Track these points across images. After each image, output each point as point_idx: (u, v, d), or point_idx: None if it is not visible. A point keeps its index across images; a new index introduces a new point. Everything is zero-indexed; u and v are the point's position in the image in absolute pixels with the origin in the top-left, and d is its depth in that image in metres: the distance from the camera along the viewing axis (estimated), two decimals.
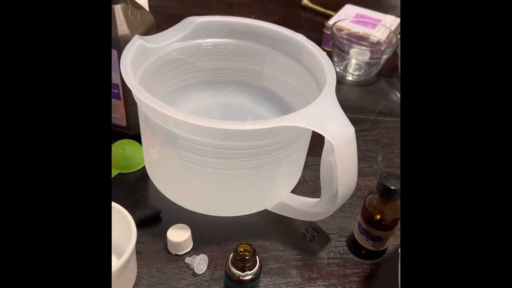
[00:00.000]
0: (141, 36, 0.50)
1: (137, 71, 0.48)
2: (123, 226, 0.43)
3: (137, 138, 0.58)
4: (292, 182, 0.52)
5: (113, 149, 0.56)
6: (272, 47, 0.56)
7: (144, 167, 0.56)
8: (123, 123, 0.58)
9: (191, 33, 0.55)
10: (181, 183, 0.48)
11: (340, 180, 0.42)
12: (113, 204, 0.44)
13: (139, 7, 0.54)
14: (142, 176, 0.56)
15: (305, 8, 1.03)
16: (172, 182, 0.49)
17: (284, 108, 0.58)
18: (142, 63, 0.50)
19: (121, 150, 0.56)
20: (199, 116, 0.40)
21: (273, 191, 0.50)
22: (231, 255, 0.40)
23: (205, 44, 0.57)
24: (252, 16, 1.02)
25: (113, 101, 0.56)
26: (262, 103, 0.60)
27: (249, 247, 0.40)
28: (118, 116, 0.58)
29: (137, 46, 0.48)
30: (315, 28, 0.91)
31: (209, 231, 0.50)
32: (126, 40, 0.51)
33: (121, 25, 0.51)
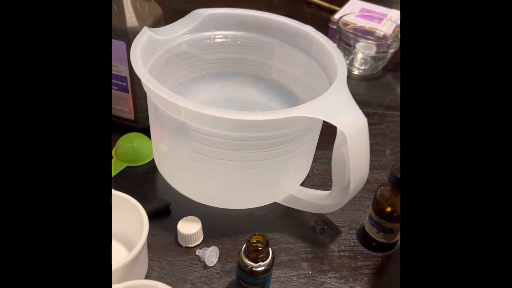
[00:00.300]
0: (150, 28, 0.50)
1: (146, 63, 0.47)
2: (135, 219, 0.43)
3: (145, 131, 0.58)
4: (301, 174, 0.52)
5: (121, 143, 0.56)
6: (281, 40, 0.56)
7: (152, 160, 0.56)
8: (131, 116, 0.58)
9: (199, 25, 0.54)
10: (191, 175, 0.48)
11: (353, 171, 0.42)
12: (125, 196, 0.44)
13: None
14: (150, 169, 0.56)
15: (309, 3, 1.02)
16: (182, 175, 0.49)
17: (293, 100, 0.58)
18: (152, 55, 0.49)
19: (129, 143, 0.56)
20: (209, 106, 0.39)
21: (283, 183, 0.50)
22: (244, 246, 0.40)
23: (213, 36, 0.56)
24: None
25: (121, 94, 0.56)
26: (270, 95, 0.59)
27: (262, 238, 0.39)
28: (126, 109, 0.58)
29: (146, 38, 0.48)
30: (319, 23, 0.90)
31: (219, 224, 0.49)
32: (135, 32, 0.50)
33: (129, 17, 0.51)
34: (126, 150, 0.56)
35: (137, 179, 0.55)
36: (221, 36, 0.57)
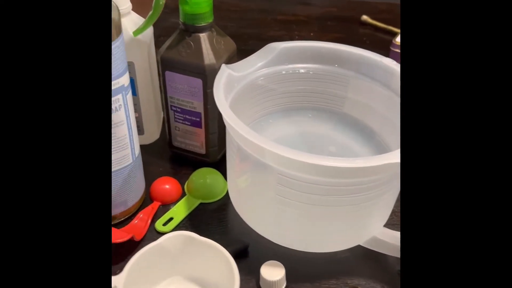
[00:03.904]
0: (227, 65, 0.49)
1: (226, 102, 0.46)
2: (222, 267, 0.41)
3: (215, 165, 0.58)
4: (386, 215, 0.50)
5: (193, 178, 0.55)
6: (357, 72, 0.54)
7: (224, 196, 0.55)
8: (203, 151, 0.57)
9: (274, 59, 0.53)
10: (274, 218, 0.46)
11: None
12: (210, 242, 0.42)
13: (222, 34, 0.53)
14: (223, 206, 0.55)
15: (364, 24, 1.00)
16: (264, 217, 0.48)
17: (369, 134, 0.55)
18: (229, 92, 0.48)
19: (201, 179, 0.55)
20: (302, 152, 0.38)
21: (368, 226, 0.47)
22: None
23: (286, 69, 0.55)
24: (311, 34, 1.01)
25: (194, 129, 0.56)
26: (344, 130, 0.57)
27: None
28: (198, 144, 0.57)
29: (226, 76, 0.47)
30: (378, 45, 0.88)
31: (299, 267, 0.47)
32: (212, 69, 0.50)
33: (207, 54, 0.50)
34: (199, 186, 0.55)
35: (210, 217, 0.53)
36: (294, 68, 0.55)
